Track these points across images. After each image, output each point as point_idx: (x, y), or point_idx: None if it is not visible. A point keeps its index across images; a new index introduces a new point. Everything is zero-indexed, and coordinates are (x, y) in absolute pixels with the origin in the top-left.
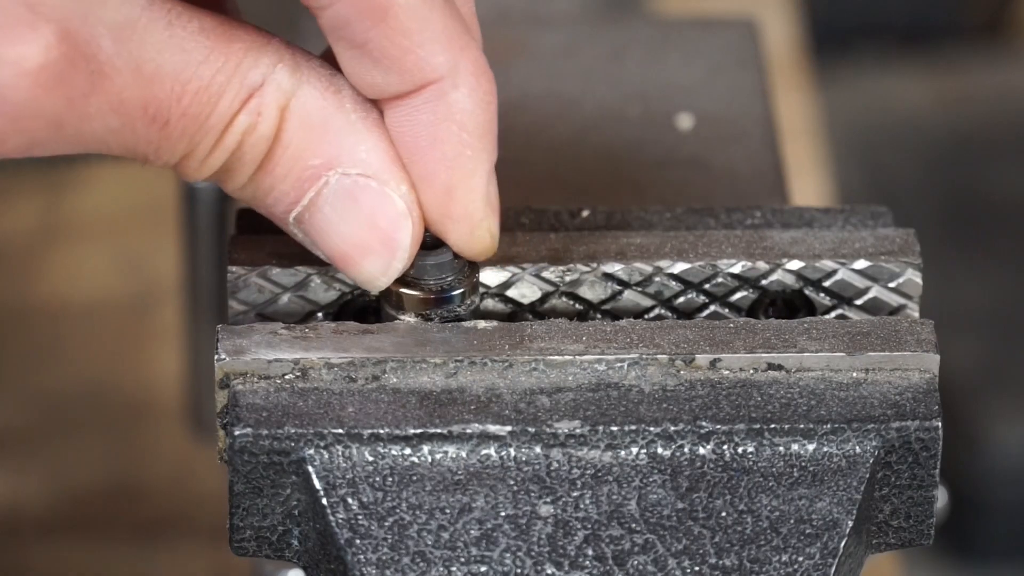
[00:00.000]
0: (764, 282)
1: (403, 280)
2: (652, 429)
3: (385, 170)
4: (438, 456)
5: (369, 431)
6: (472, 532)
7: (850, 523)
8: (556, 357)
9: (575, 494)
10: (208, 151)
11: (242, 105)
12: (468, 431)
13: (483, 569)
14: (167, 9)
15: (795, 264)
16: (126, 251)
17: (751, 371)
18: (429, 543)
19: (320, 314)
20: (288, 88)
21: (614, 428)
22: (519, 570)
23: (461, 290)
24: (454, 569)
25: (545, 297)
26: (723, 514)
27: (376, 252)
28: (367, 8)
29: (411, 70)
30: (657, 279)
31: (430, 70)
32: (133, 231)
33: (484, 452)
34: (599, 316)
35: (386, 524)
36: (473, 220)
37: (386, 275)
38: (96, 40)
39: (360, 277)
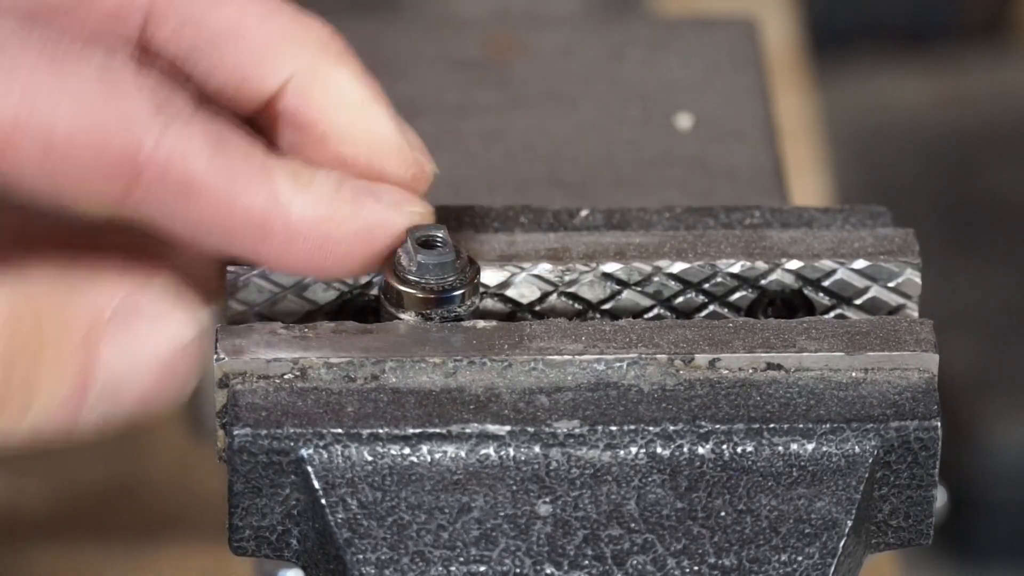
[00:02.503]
0: (763, 282)
1: (404, 279)
2: (651, 429)
3: (134, 284)
4: (437, 456)
5: (368, 431)
6: (471, 532)
7: (849, 523)
8: (555, 357)
9: (574, 494)
10: None
11: None
12: (467, 431)
13: (482, 569)
14: None
15: (794, 264)
16: None
17: (750, 371)
18: (428, 543)
19: (319, 314)
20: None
21: (613, 428)
22: (518, 570)
23: (462, 290)
24: (453, 569)
25: (544, 297)
26: (722, 514)
27: (173, 354)
28: None
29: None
30: (656, 279)
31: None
32: None
33: (483, 452)
34: (598, 316)
35: (385, 524)
36: (405, 149)
37: (187, 370)
38: None
39: (166, 387)
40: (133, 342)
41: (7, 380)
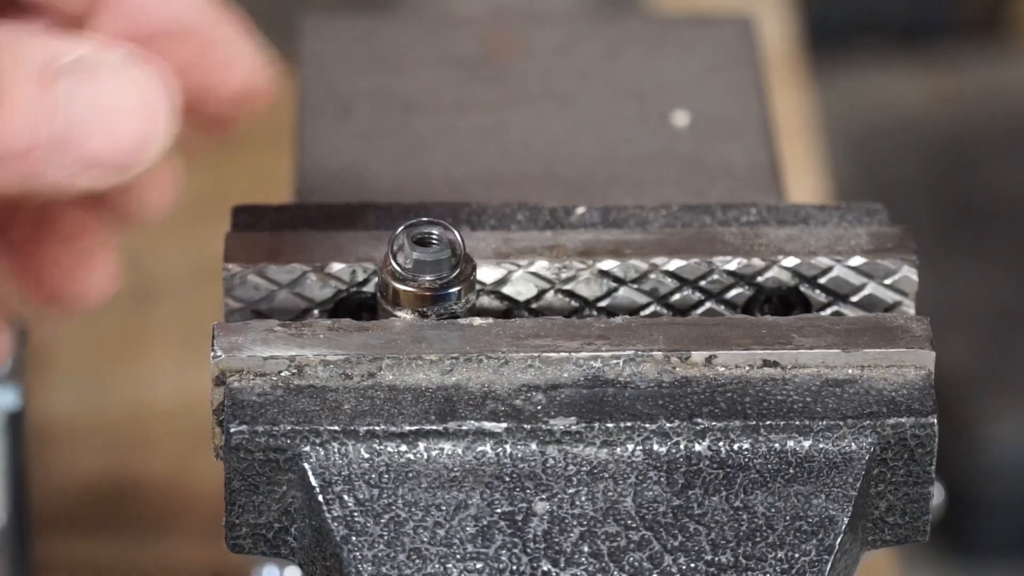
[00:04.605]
0: (760, 279)
1: (401, 276)
2: (648, 426)
3: (94, 45)
4: (434, 453)
5: (365, 428)
6: (468, 529)
7: (846, 520)
8: (552, 354)
9: (571, 491)
10: None
11: None
12: (464, 428)
13: (479, 566)
14: None
15: (791, 261)
16: (126, 250)
17: (747, 368)
18: (425, 540)
19: (316, 311)
20: None
21: (610, 425)
22: (515, 567)
23: (458, 288)
24: (450, 566)
25: (540, 294)
26: (719, 511)
27: (145, 99)
28: None
29: None
30: (653, 276)
31: None
32: (132, 231)
33: (480, 449)
34: (595, 313)
35: (382, 521)
36: (246, 49)
37: (166, 115)
38: None
39: (152, 131)
40: (96, 85)
41: None
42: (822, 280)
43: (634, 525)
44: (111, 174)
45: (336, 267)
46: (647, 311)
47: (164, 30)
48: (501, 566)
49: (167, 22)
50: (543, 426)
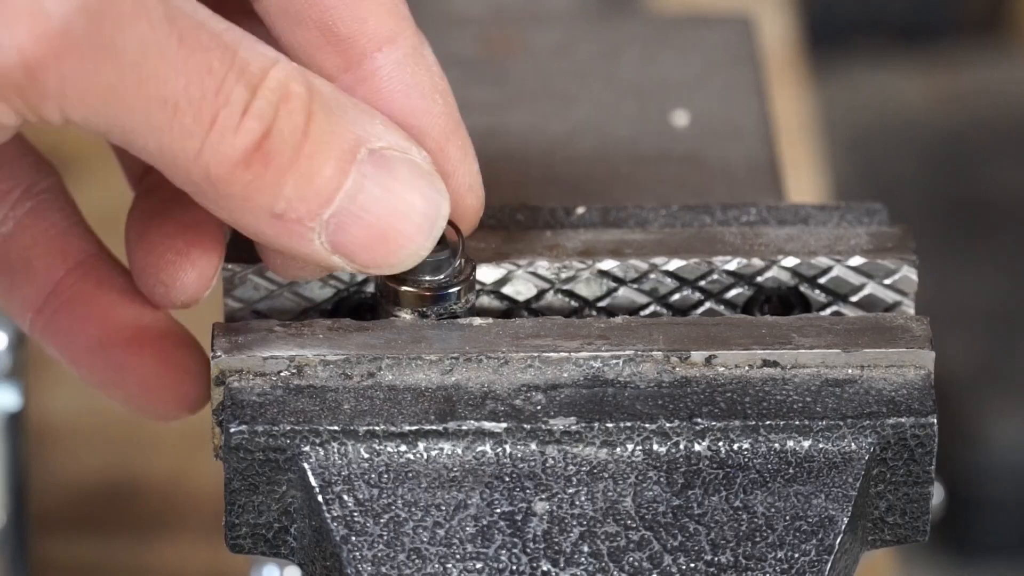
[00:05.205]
0: (760, 279)
1: (400, 277)
2: (647, 426)
3: (403, 138)
4: (433, 453)
5: (365, 428)
6: (468, 529)
7: (846, 519)
8: (551, 354)
9: (570, 491)
10: (238, 117)
11: (263, 72)
12: (464, 428)
13: (479, 566)
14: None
15: (790, 261)
16: (123, 249)
17: (746, 368)
18: (424, 540)
19: (315, 311)
20: (299, 68)
21: (609, 425)
22: (515, 567)
23: (458, 288)
24: (449, 566)
25: (540, 294)
26: (718, 511)
27: (422, 214)
28: None
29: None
30: (652, 276)
31: (389, 35)
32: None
33: (480, 449)
34: (594, 313)
35: (382, 521)
36: (474, 166)
37: (431, 236)
38: None
39: (411, 246)
40: (389, 182)
41: (287, 132)
42: (822, 280)
43: (634, 525)
44: (352, 265)
45: None
46: (647, 311)
47: (402, 123)
48: (501, 566)
49: (408, 116)
50: (543, 426)
